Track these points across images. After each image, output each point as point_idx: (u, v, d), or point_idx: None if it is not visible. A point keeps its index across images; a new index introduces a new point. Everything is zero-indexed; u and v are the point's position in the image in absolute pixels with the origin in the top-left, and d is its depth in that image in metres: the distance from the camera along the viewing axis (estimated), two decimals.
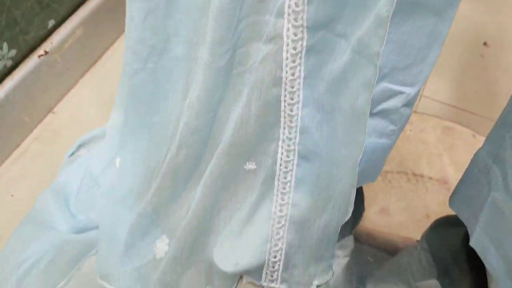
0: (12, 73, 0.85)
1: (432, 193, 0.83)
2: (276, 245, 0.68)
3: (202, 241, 0.70)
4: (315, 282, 0.72)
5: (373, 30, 0.49)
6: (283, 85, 0.56)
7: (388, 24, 0.48)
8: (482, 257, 0.64)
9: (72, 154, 0.86)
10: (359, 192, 0.80)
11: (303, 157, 0.62)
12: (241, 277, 0.73)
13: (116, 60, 1.04)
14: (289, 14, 0.51)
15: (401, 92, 0.58)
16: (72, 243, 0.74)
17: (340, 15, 0.52)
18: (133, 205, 0.74)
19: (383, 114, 0.60)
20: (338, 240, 0.72)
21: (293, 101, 0.58)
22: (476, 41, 1.07)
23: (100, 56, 1.05)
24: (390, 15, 0.47)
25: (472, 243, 0.66)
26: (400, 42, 0.53)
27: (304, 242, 0.68)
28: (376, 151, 0.64)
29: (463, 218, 0.71)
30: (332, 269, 0.73)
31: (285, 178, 0.64)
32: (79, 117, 0.93)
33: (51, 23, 0.91)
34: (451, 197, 0.75)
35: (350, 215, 0.65)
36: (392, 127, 0.62)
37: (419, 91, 0.60)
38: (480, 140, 0.88)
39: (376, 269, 0.76)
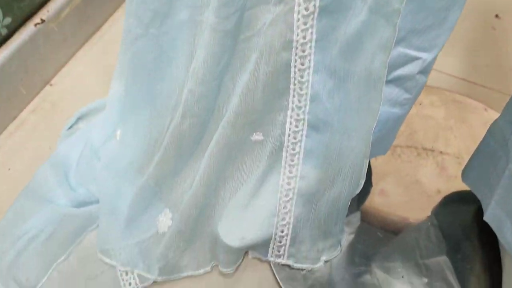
0: (7, 42, 0.81)
1: (443, 168, 0.80)
2: (283, 219, 0.66)
3: (206, 215, 0.68)
4: (323, 258, 0.70)
5: None
6: (293, 49, 0.53)
7: None
8: (497, 232, 0.62)
9: (71, 127, 0.83)
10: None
11: (313, 127, 0.59)
12: (246, 253, 0.71)
13: (116, 30, 1.00)
14: None
15: (417, 58, 0.55)
16: (71, 217, 0.72)
17: None
18: (134, 178, 0.71)
19: (397, 81, 0.57)
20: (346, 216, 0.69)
21: (303, 67, 0.55)
22: (488, 13, 1.04)
23: (99, 27, 1.01)
24: None
25: (487, 217, 0.63)
26: (419, 2, 0.50)
27: (312, 216, 0.66)
28: (389, 121, 0.61)
29: (477, 192, 0.68)
30: (340, 244, 0.71)
31: (294, 149, 0.62)
32: (78, 89, 0.90)
33: None
34: (464, 171, 0.73)
35: (361, 187, 0.63)
36: (406, 95, 0.59)
37: (435, 57, 0.57)
38: (492, 114, 0.86)
39: (382, 247, 0.74)
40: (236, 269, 0.70)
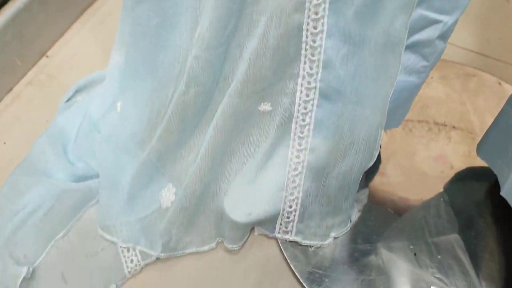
0: (1, 10, 0.78)
1: (455, 143, 0.77)
2: (291, 194, 0.63)
3: (211, 190, 0.65)
4: (332, 234, 0.67)
5: None
6: (306, 11, 0.50)
7: None
8: None
9: (69, 99, 0.80)
10: None
11: (325, 96, 0.56)
12: (252, 229, 0.69)
13: (115, 0, 0.96)
14: None
15: (437, 21, 0.52)
16: (70, 192, 0.69)
17: None
18: (136, 152, 0.68)
19: (415, 47, 0.54)
20: None
21: (316, 30, 0.51)
22: None
23: None
24: None
25: (504, 192, 0.61)
26: None
27: (322, 191, 0.63)
28: (404, 90, 0.58)
29: (494, 166, 0.66)
30: (350, 221, 0.68)
31: (304, 120, 0.58)
32: (76, 61, 0.87)
33: None
34: (479, 145, 0.70)
35: (374, 160, 0.60)
36: (423, 62, 0.56)
37: (456, 21, 0.54)
38: (506, 88, 0.83)
39: (388, 226, 0.71)
40: (242, 245, 0.67)
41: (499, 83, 0.84)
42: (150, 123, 0.66)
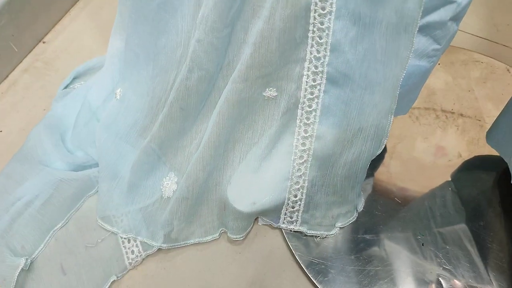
0: None
1: (463, 131, 0.76)
2: (297, 182, 0.61)
3: (214, 179, 0.63)
4: (338, 225, 0.65)
5: None
6: None
7: None
8: None
9: (67, 86, 0.78)
10: None
11: (332, 81, 0.54)
12: (256, 219, 0.67)
13: None
14: None
15: (450, 1, 0.50)
16: (69, 181, 0.67)
17: None
18: (136, 140, 0.66)
19: (426, 29, 0.52)
20: None
21: (324, 12, 0.49)
22: None
23: None
24: None
25: None
26: None
27: (328, 180, 0.61)
28: (413, 75, 0.56)
29: (504, 154, 0.64)
30: (357, 210, 0.66)
31: (310, 106, 0.56)
32: (73, 47, 0.85)
33: None
34: (489, 133, 0.68)
35: (383, 147, 0.58)
36: (435, 45, 0.54)
37: (469, 2, 0.52)
38: None
39: (392, 217, 0.69)
40: (246, 236, 0.65)
41: (508, 70, 0.82)
42: (151, 110, 0.64)
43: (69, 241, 0.64)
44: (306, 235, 0.65)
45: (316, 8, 0.49)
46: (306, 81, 0.55)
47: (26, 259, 0.61)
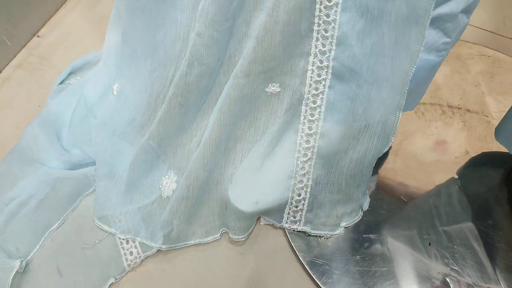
0: None
1: (470, 127, 0.74)
2: (300, 181, 0.59)
3: (215, 178, 0.61)
4: (343, 224, 0.63)
5: None
6: None
7: None
8: None
9: (62, 82, 0.75)
10: None
11: (338, 76, 0.52)
12: (258, 219, 0.65)
13: None
14: None
15: None
16: (65, 180, 0.65)
17: None
18: (134, 137, 0.64)
19: (437, 22, 0.50)
20: None
21: (330, 3, 0.47)
22: None
23: None
24: None
25: None
26: None
27: (333, 178, 0.60)
28: (422, 70, 0.54)
29: None
30: (362, 209, 0.65)
31: (314, 102, 0.54)
32: (68, 41, 0.82)
33: None
34: (497, 129, 0.66)
35: (390, 145, 0.56)
36: (445, 39, 0.52)
37: None
38: None
39: (395, 214, 0.68)
40: (248, 236, 0.63)
41: None
42: (149, 106, 0.62)
43: (66, 242, 0.62)
44: (310, 235, 0.64)
45: (322, 0, 0.47)
46: (311, 76, 0.53)
47: (21, 261, 0.59)
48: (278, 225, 0.64)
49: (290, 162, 0.58)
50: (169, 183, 0.63)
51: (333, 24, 0.48)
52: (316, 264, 0.62)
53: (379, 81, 0.51)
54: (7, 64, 0.79)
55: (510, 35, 0.86)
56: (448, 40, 0.52)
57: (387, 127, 0.54)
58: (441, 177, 0.70)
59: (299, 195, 0.60)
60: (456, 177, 0.70)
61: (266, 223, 0.65)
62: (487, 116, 0.74)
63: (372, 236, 0.64)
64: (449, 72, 0.79)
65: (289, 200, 0.60)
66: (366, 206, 0.65)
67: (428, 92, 0.77)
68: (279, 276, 0.61)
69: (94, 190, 0.65)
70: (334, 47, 0.50)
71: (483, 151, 0.72)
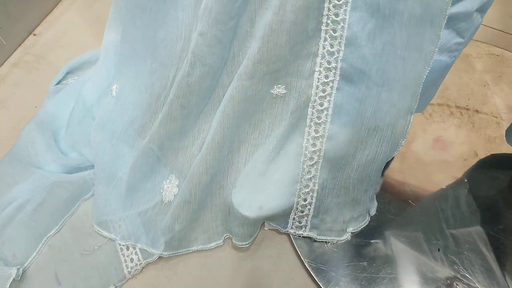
0: None
1: (479, 128, 0.72)
2: (306, 186, 0.57)
3: (218, 182, 0.60)
4: (350, 229, 0.62)
5: None
6: None
7: None
8: None
9: (59, 82, 0.73)
10: None
11: (346, 77, 0.50)
12: (262, 224, 0.63)
13: None
14: None
15: None
16: (63, 184, 0.63)
17: None
18: (134, 140, 0.62)
19: (450, 21, 0.48)
20: None
21: (340, 2, 0.45)
22: None
23: None
24: None
25: None
26: None
27: (340, 183, 0.58)
28: (433, 71, 0.52)
29: None
30: (369, 214, 0.63)
31: (321, 105, 0.52)
32: (65, 40, 0.80)
33: None
34: (508, 131, 0.64)
35: (400, 148, 0.54)
36: (457, 39, 0.50)
37: None
38: None
39: (398, 215, 0.66)
40: (252, 242, 0.61)
41: None
42: (149, 107, 0.60)
43: (64, 248, 0.61)
44: (315, 241, 0.62)
45: None
46: (318, 78, 0.51)
47: (18, 268, 0.57)
48: (283, 230, 0.62)
49: (295, 166, 0.57)
50: (170, 187, 0.61)
51: (342, 24, 0.46)
52: (322, 271, 0.60)
53: (389, 82, 0.49)
54: (3, 63, 0.77)
55: None
56: (461, 40, 0.50)
57: (397, 131, 0.52)
58: (449, 180, 0.68)
59: (305, 200, 0.58)
60: (465, 179, 0.68)
61: (271, 228, 0.63)
62: (496, 117, 0.73)
63: (379, 241, 0.62)
64: (456, 72, 0.77)
65: (294, 205, 0.58)
66: (373, 211, 0.63)
67: (436, 93, 0.75)
68: (284, 283, 0.59)
69: (93, 194, 0.64)
70: (343, 48, 0.48)
71: (492, 153, 0.70)
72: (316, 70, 0.51)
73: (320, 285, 0.59)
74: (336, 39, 0.48)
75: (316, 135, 0.55)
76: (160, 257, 0.60)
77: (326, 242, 0.62)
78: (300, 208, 0.59)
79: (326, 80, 0.51)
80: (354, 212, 0.61)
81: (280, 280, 0.60)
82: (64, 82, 0.73)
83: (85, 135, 0.66)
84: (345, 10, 0.46)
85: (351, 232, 0.62)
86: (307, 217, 0.60)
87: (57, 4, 0.84)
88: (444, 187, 0.68)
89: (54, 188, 0.62)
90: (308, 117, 0.54)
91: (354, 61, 0.49)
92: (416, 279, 0.59)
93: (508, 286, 0.59)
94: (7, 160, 0.65)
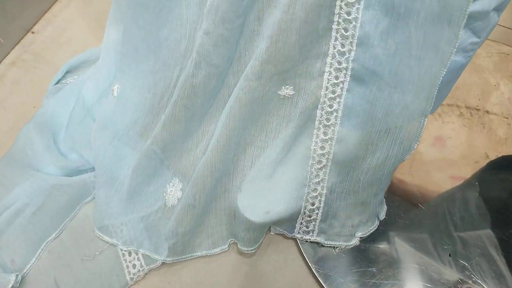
0: None
1: (490, 130, 0.70)
2: (314, 189, 0.55)
3: (223, 186, 0.58)
4: (358, 234, 0.60)
5: None
6: None
7: None
8: None
9: (58, 81, 0.71)
10: None
11: (357, 78, 0.48)
12: (268, 228, 0.61)
13: None
14: None
15: None
16: (62, 187, 0.61)
17: None
18: (136, 141, 0.61)
19: (466, 21, 0.45)
20: None
21: (352, 0, 0.43)
22: None
23: None
24: None
25: None
26: None
27: (348, 187, 0.56)
28: (447, 72, 0.50)
29: None
30: (378, 218, 0.61)
31: (331, 106, 0.51)
32: (65, 37, 0.78)
33: None
34: None
35: (413, 152, 0.52)
36: (473, 39, 0.48)
37: None
38: None
39: (404, 216, 0.64)
40: (258, 247, 0.60)
41: None
42: (152, 108, 0.58)
43: (64, 254, 0.59)
44: (323, 246, 0.60)
45: None
46: (328, 79, 0.49)
47: (17, 275, 0.56)
48: (290, 235, 0.60)
49: (303, 169, 0.55)
50: (173, 191, 0.59)
51: (354, 23, 0.45)
52: (330, 277, 0.58)
53: (403, 84, 0.47)
54: (0, 62, 0.75)
55: None
56: (477, 40, 0.48)
57: (410, 134, 0.50)
58: (458, 182, 0.67)
59: (313, 204, 0.56)
60: (476, 182, 0.67)
61: (277, 232, 0.61)
62: (507, 117, 0.71)
63: (388, 246, 0.61)
64: (467, 71, 0.75)
65: (302, 210, 0.57)
66: (383, 215, 0.61)
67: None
68: None
69: (94, 198, 0.62)
70: (354, 48, 0.46)
71: (503, 154, 0.69)
72: (326, 70, 0.49)
73: None
74: (347, 39, 0.46)
75: (325, 138, 0.53)
76: (163, 263, 0.58)
77: (334, 247, 0.60)
78: (307, 213, 0.57)
79: (336, 81, 0.49)
80: (363, 216, 0.59)
81: (287, 286, 0.58)
82: (63, 81, 0.71)
83: (85, 136, 0.64)
84: (358, 8, 0.44)
85: (360, 237, 0.60)
86: (315, 222, 0.58)
87: (55, 1, 0.82)
88: (453, 189, 0.66)
89: (53, 191, 0.60)
90: (317, 119, 0.52)
91: (366, 61, 0.47)
92: (426, 285, 0.58)
93: None
94: (4, 162, 0.63)
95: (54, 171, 0.62)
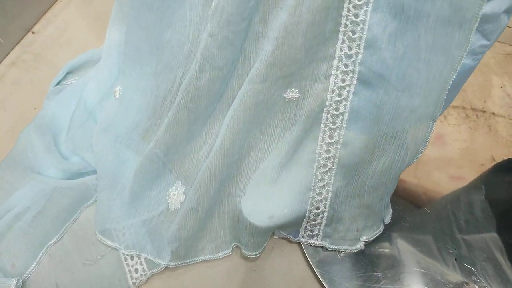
0: None
1: (496, 132, 0.69)
2: (319, 194, 0.55)
3: (227, 189, 0.57)
4: (363, 238, 0.59)
5: None
6: None
7: None
8: None
9: (59, 82, 0.70)
10: None
11: (364, 81, 0.47)
12: (272, 232, 0.60)
13: None
14: None
15: None
16: (64, 190, 0.60)
17: None
18: (139, 144, 0.60)
19: None
20: None
21: (360, 2, 0.43)
22: None
23: None
24: None
25: None
26: None
27: (354, 190, 0.55)
28: (456, 75, 0.49)
29: None
30: (384, 222, 0.60)
31: (337, 109, 0.50)
32: (66, 37, 0.77)
33: None
34: None
35: (420, 156, 0.52)
36: (483, 41, 0.47)
37: None
38: None
39: (407, 218, 0.63)
40: (262, 252, 0.59)
41: None
42: (154, 111, 0.57)
43: (65, 258, 0.58)
44: (327, 250, 0.59)
45: None
46: (334, 82, 0.48)
47: (18, 280, 0.55)
48: (294, 239, 0.60)
49: (308, 173, 0.54)
50: (176, 194, 0.58)
51: (361, 25, 0.44)
52: (335, 282, 0.57)
53: (410, 87, 0.47)
54: (0, 62, 0.74)
55: None
56: (486, 42, 0.47)
57: (418, 138, 0.49)
58: (464, 185, 0.66)
59: (318, 208, 0.56)
60: (482, 185, 0.66)
61: (281, 236, 0.60)
62: None
63: (393, 250, 0.60)
64: (472, 74, 0.74)
65: (306, 214, 0.56)
66: (388, 219, 0.61)
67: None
68: None
69: (95, 201, 0.61)
70: (361, 50, 0.45)
71: (510, 157, 0.68)
72: (332, 73, 0.48)
73: None
74: (354, 41, 0.45)
75: (330, 141, 0.52)
76: (166, 267, 0.57)
77: (339, 251, 0.59)
78: (312, 217, 0.57)
79: (342, 84, 0.48)
80: (368, 220, 0.58)
81: None
82: (64, 82, 0.70)
83: (87, 138, 0.63)
84: (366, 10, 0.43)
85: (365, 241, 0.60)
86: (320, 226, 0.58)
87: (55, 1, 0.81)
88: (459, 192, 0.66)
89: (54, 194, 0.60)
90: (323, 122, 0.51)
91: (373, 64, 0.46)
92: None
93: None
94: (5, 165, 0.62)
95: (55, 174, 0.61)
